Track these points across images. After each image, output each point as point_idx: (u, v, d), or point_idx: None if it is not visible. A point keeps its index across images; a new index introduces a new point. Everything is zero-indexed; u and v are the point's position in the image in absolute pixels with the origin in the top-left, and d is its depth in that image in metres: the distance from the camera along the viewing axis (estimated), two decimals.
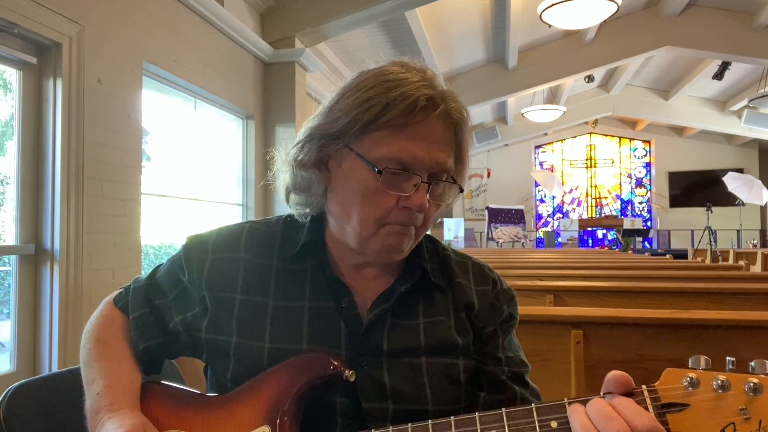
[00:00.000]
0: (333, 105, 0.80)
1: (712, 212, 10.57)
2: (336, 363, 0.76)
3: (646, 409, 0.62)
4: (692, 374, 0.61)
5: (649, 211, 14.57)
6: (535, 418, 0.66)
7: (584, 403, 0.64)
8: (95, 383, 0.81)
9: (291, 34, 5.24)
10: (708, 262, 7.29)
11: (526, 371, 0.90)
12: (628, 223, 13.09)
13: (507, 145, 14.09)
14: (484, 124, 12.77)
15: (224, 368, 0.83)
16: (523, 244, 12.53)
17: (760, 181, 11.23)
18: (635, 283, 3.02)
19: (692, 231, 12.60)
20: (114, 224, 3.26)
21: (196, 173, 4.52)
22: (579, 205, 15.06)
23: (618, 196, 14.92)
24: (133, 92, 3.47)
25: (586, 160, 15.04)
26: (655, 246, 13.51)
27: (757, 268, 6.04)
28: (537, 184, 14.36)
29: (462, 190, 0.85)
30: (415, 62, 0.82)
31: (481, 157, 14.03)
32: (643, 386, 0.64)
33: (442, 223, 12.11)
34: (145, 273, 0.94)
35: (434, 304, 0.87)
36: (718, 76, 9.38)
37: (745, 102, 10.27)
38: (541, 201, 15.14)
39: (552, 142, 15.08)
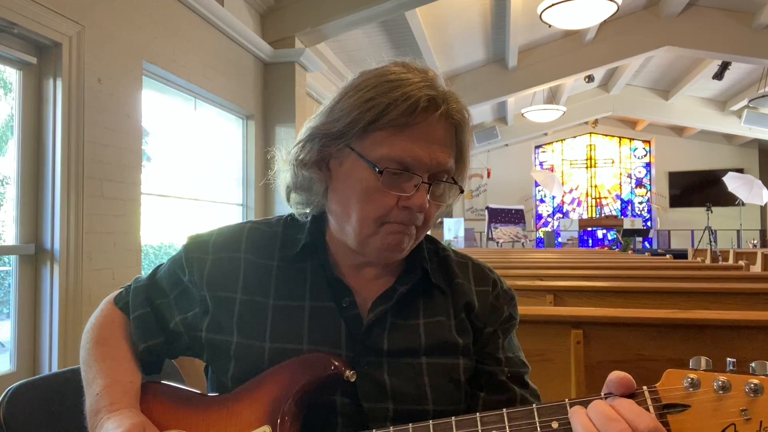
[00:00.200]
0: (334, 105, 0.81)
1: (712, 212, 10.57)
2: (337, 363, 0.76)
3: (647, 409, 0.62)
4: (693, 375, 0.61)
5: (649, 211, 14.57)
6: (536, 418, 0.66)
7: (585, 404, 0.65)
8: (95, 383, 0.81)
9: (291, 34, 5.25)
10: (708, 262, 7.29)
11: (525, 372, 0.90)
12: (628, 223, 13.10)
13: (507, 145, 14.08)
14: (484, 124, 12.77)
15: (225, 368, 0.83)
16: (523, 244, 12.53)
17: (760, 181, 11.23)
18: (635, 283, 3.02)
19: (692, 231, 12.61)
20: (114, 224, 3.26)
21: (196, 173, 4.52)
22: (579, 205, 15.06)
23: (618, 196, 14.92)
24: (133, 92, 3.48)
25: (586, 160, 15.04)
26: (655, 246, 13.51)
27: (757, 268, 6.04)
28: (537, 184, 14.36)
29: (462, 191, 0.86)
30: (416, 62, 0.82)
31: (481, 157, 14.03)
32: (644, 387, 0.64)
33: (442, 223, 12.11)
34: (145, 273, 0.94)
35: (434, 304, 0.87)
36: (718, 76, 9.38)
37: (745, 102, 10.27)
38: (541, 201, 15.14)
39: (552, 142, 15.08)
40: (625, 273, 3.53)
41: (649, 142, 14.53)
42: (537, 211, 15.07)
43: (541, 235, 14.10)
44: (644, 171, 14.73)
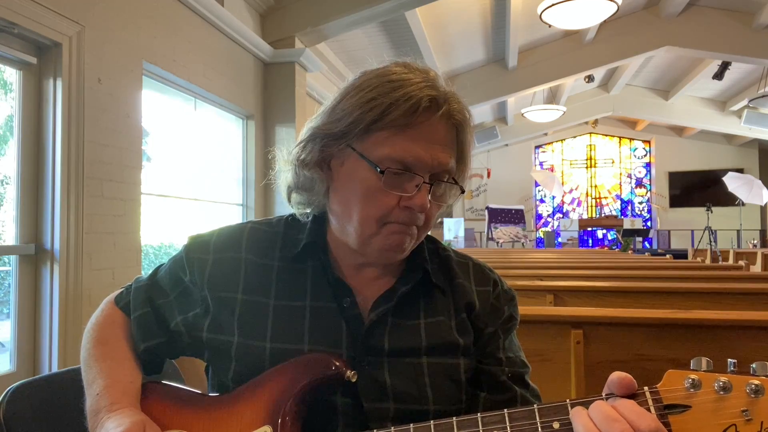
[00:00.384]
0: (336, 105, 0.81)
1: (712, 212, 10.57)
2: (338, 363, 0.76)
3: (648, 410, 0.62)
4: (694, 376, 0.62)
5: (649, 211, 14.57)
6: (538, 419, 0.66)
7: (587, 405, 0.65)
8: (95, 383, 0.81)
9: (291, 34, 5.25)
10: (708, 262, 7.29)
11: (526, 372, 0.90)
12: (628, 223, 13.09)
13: (507, 145, 14.09)
14: (484, 124, 12.77)
15: (225, 368, 0.83)
16: (523, 244, 12.53)
17: (760, 181, 11.23)
18: (635, 283, 3.02)
19: (692, 231, 12.61)
20: (114, 224, 3.26)
21: (196, 173, 4.52)
22: (579, 205, 15.06)
23: (618, 196, 14.92)
24: (133, 92, 3.47)
25: (586, 160, 15.04)
26: (655, 246, 13.51)
27: (757, 268, 6.04)
28: (537, 184, 14.36)
29: (463, 191, 0.86)
30: (417, 63, 0.82)
31: (481, 157, 14.03)
32: (645, 388, 0.64)
33: (442, 223, 12.11)
34: (145, 273, 0.94)
35: (435, 304, 0.87)
36: (718, 76, 9.38)
37: (745, 102, 10.28)
38: (541, 201, 15.14)
39: (552, 142, 15.08)
40: (625, 273, 3.53)
41: (649, 142, 14.53)
42: (537, 211, 15.07)
43: (541, 235, 14.10)
44: (644, 171, 14.74)
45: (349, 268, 0.86)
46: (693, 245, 11.38)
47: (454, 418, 0.69)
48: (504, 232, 12.33)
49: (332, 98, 0.82)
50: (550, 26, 6.36)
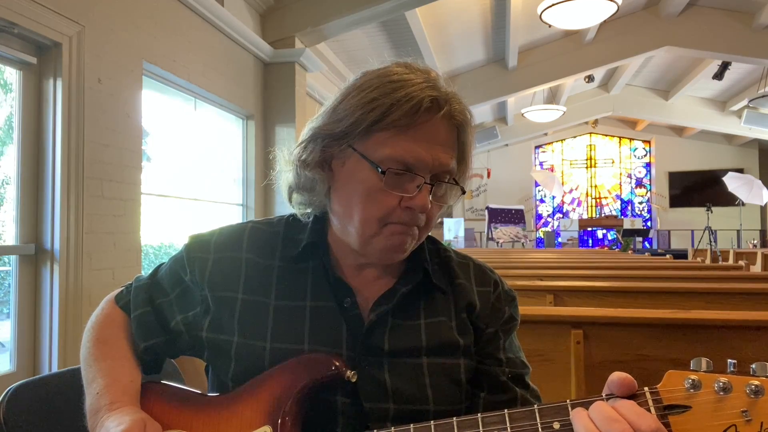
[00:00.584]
0: (337, 105, 0.80)
1: (712, 212, 10.58)
2: (337, 363, 0.76)
3: (648, 410, 0.62)
4: (694, 376, 0.62)
5: (649, 211, 14.57)
6: (538, 419, 0.66)
7: (587, 405, 0.65)
8: (95, 382, 0.81)
9: (291, 34, 5.25)
10: (708, 262, 7.29)
11: (526, 372, 0.90)
12: (628, 223, 13.10)
13: (507, 145, 14.09)
14: (484, 124, 12.77)
15: (225, 368, 0.83)
16: (523, 244, 12.53)
17: (760, 181, 11.23)
18: (635, 283, 3.02)
19: (692, 231, 12.61)
20: (114, 224, 3.26)
21: (196, 173, 4.52)
22: (579, 205, 15.06)
23: (618, 196, 14.92)
24: (133, 92, 3.48)
25: (586, 160, 15.04)
26: (655, 246, 13.51)
27: (757, 268, 6.04)
28: (537, 184, 14.36)
29: (464, 192, 0.85)
30: (418, 63, 0.82)
31: (481, 157, 14.02)
32: (645, 388, 0.64)
33: (442, 223, 12.10)
34: (145, 273, 0.94)
35: (435, 304, 0.87)
36: (718, 76, 9.38)
37: (745, 102, 10.28)
38: (541, 201, 15.14)
39: (552, 142, 15.08)
40: (625, 273, 3.53)
41: (649, 142, 14.53)
42: (537, 211, 15.07)
43: (541, 235, 14.10)
44: (644, 171, 14.74)
45: (349, 268, 0.86)
46: (693, 245, 11.39)
47: (455, 419, 0.69)
48: (504, 232, 12.33)
49: (333, 98, 0.82)
50: (550, 26, 6.36)
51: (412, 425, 0.71)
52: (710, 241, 9.83)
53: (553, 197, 14.92)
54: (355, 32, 6.24)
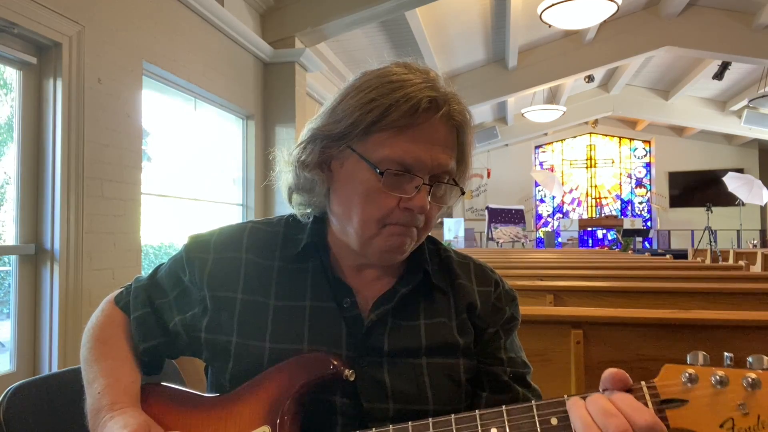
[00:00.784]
0: (336, 106, 0.80)
1: (712, 212, 10.58)
2: (336, 363, 0.76)
3: (645, 404, 0.62)
4: (691, 370, 0.62)
5: (649, 211, 14.57)
6: (535, 414, 0.66)
7: (584, 398, 0.65)
8: (96, 382, 0.81)
9: (291, 34, 5.25)
10: (708, 262, 7.29)
11: (527, 372, 0.90)
12: (628, 223, 13.09)
13: (507, 145, 14.09)
14: (484, 124, 12.77)
15: (224, 368, 0.83)
16: (523, 244, 12.53)
17: (760, 181, 11.23)
18: (635, 283, 3.02)
19: (692, 231, 12.61)
20: (114, 224, 3.26)
21: (196, 173, 4.52)
22: (579, 205, 15.06)
23: (618, 196, 14.92)
24: (133, 92, 3.48)
25: (586, 160, 15.04)
26: (655, 246, 13.51)
27: (757, 268, 6.04)
28: (537, 184, 14.36)
29: (463, 192, 0.85)
30: (418, 63, 0.82)
31: (481, 157, 14.02)
32: (642, 382, 0.64)
33: (442, 223, 12.10)
34: (145, 273, 0.94)
35: (435, 305, 0.87)
36: (718, 76, 9.38)
37: (745, 102, 10.27)
38: (541, 201, 15.14)
39: (552, 142, 15.08)
40: (625, 273, 3.53)
41: (649, 142, 14.53)
42: (537, 211, 15.07)
43: (541, 235, 14.10)
44: (644, 171, 14.73)
45: (349, 269, 0.86)
46: (693, 245, 11.38)
47: (452, 416, 0.69)
48: (504, 232, 12.33)
49: (332, 99, 0.82)
50: (550, 26, 6.36)
51: (410, 423, 0.71)
52: (710, 241, 9.83)
53: (553, 197, 14.92)
54: (355, 32, 6.24)
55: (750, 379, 0.59)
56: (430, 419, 0.70)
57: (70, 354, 2.88)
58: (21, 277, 2.86)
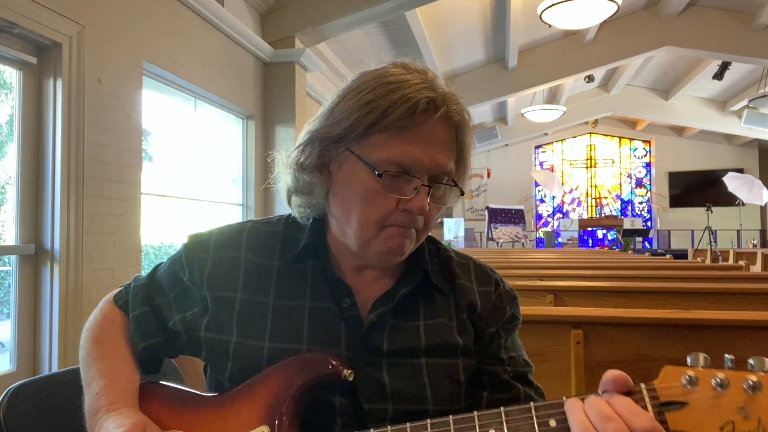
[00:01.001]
0: (334, 107, 0.80)
1: (712, 212, 10.57)
2: (334, 362, 0.76)
3: (645, 407, 0.61)
4: (691, 372, 0.61)
5: (649, 211, 14.56)
6: (534, 416, 0.66)
7: (582, 399, 0.64)
8: (94, 383, 0.81)
9: (291, 34, 5.25)
10: (708, 262, 7.29)
11: (529, 371, 0.90)
12: (628, 223, 13.09)
13: (507, 145, 14.08)
14: (484, 124, 12.77)
15: (223, 368, 0.82)
16: (523, 244, 12.53)
17: (760, 181, 11.23)
18: (635, 283, 3.02)
19: (692, 231, 12.60)
20: (114, 224, 3.26)
21: (196, 173, 4.52)
22: (579, 205, 15.05)
23: (618, 196, 14.91)
24: (133, 92, 3.48)
25: (586, 160, 15.04)
26: (655, 246, 13.50)
27: (757, 268, 6.04)
28: (537, 184, 14.35)
29: (463, 193, 0.85)
30: (416, 63, 0.82)
31: (481, 157, 14.02)
32: (642, 384, 0.63)
33: (442, 223, 12.10)
34: (144, 273, 0.94)
35: (435, 305, 0.87)
36: (718, 76, 9.38)
37: (745, 102, 10.27)
38: (541, 201, 15.14)
39: (552, 142, 15.08)
40: (625, 273, 3.52)
41: (649, 142, 14.53)
42: (537, 211, 15.06)
43: (541, 235, 14.10)
44: (644, 171, 14.73)
45: (349, 269, 0.86)
46: (693, 245, 11.38)
47: (451, 417, 0.69)
48: (504, 232, 12.33)
49: (330, 101, 0.82)
50: (550, 26, 6.36)
51: (408, 424, 0.71)
52: (710, 241, 9.83)
53: (553, 197, 14.92)
54: (355, 32, 6.24)
55: (751, 382, 0.58)
56: (428, 420, 0.70)
57: (70, 354, 2.88)
58: (21, 277, 2.86)
